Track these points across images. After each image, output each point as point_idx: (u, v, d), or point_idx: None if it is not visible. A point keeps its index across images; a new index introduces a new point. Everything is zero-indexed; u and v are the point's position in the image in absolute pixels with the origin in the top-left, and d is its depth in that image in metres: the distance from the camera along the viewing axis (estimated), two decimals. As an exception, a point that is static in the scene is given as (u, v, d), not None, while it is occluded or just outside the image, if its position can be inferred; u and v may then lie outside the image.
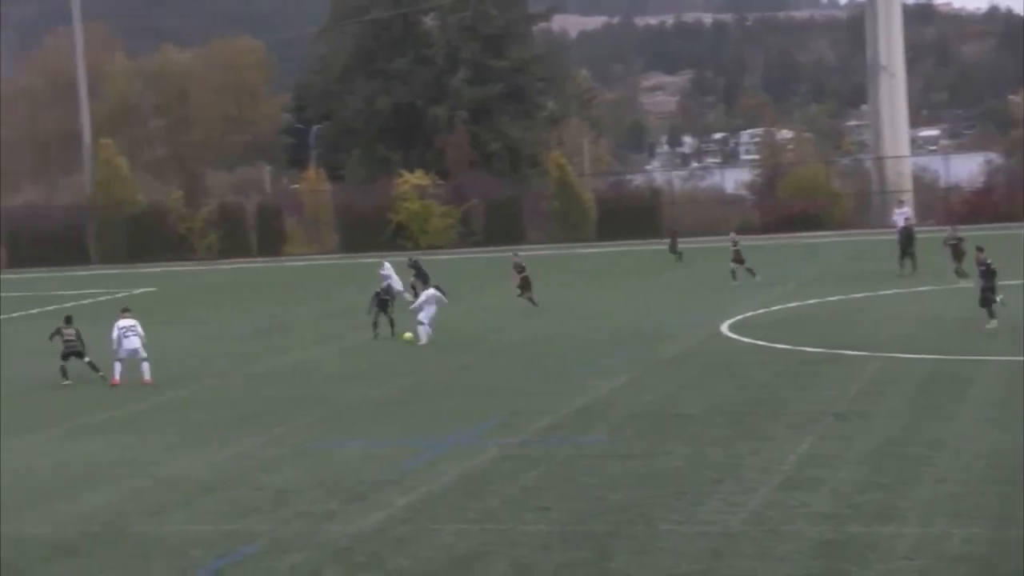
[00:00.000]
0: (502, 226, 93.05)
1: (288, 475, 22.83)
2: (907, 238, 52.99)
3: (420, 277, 50.20)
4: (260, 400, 31.67)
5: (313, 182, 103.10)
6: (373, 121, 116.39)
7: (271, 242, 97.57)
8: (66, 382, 35.61)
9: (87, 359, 36.12)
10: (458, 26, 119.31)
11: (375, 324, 41.44)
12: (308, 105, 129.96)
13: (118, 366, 35.08)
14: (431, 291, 40.70)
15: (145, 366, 35.11)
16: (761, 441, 23.35)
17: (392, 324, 41.13)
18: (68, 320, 37.24)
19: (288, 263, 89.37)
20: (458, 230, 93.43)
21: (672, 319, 42.44)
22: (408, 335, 39.42)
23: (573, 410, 27.55)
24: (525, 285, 47.31)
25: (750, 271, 52.31)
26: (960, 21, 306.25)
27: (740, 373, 31.37)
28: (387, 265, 50.78)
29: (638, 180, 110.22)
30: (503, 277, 50.59)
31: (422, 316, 39.56)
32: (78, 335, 36.69)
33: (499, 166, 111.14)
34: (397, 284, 49.03)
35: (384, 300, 42.07)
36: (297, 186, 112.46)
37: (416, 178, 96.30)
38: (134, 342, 35.29)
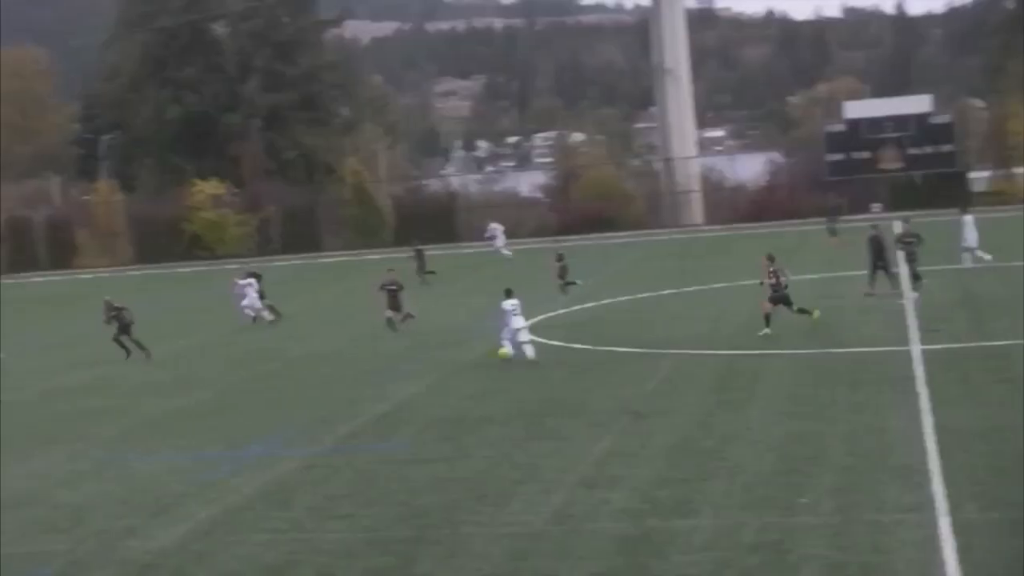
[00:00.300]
0: (299, 234, 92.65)
1: (87, 491, 22.47)
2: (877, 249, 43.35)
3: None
4: (58, 415, 31.10)
5: (105, 193, 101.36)
6: (165, 130, 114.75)
7: (62, 255, 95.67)
8: None
9: None
10: (249, 33, 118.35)
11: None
12: (98, 114, 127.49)
13: None
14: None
15: None
16: (561, 441, 23.66)
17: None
18: None
19: (80, 276, 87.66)
20: (255, 239, 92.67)
21: (472, 323, 42.65)
22: (503, 351, 33.89)
23: (374, 417, 27.58)
24: (395, 304, 42.91)
25: (570, 284, 50.14)
26: (740, 25, 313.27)
27: (540, 374, 31.67)
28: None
29: (434, 185, 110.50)
30: (300, 285, 50.37)
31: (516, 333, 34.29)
32: None
33: (295, 174, 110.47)
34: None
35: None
36: (88, 197, 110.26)
37: (211, 187, 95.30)
38: None
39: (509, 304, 33.94)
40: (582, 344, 35.78)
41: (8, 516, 21.14)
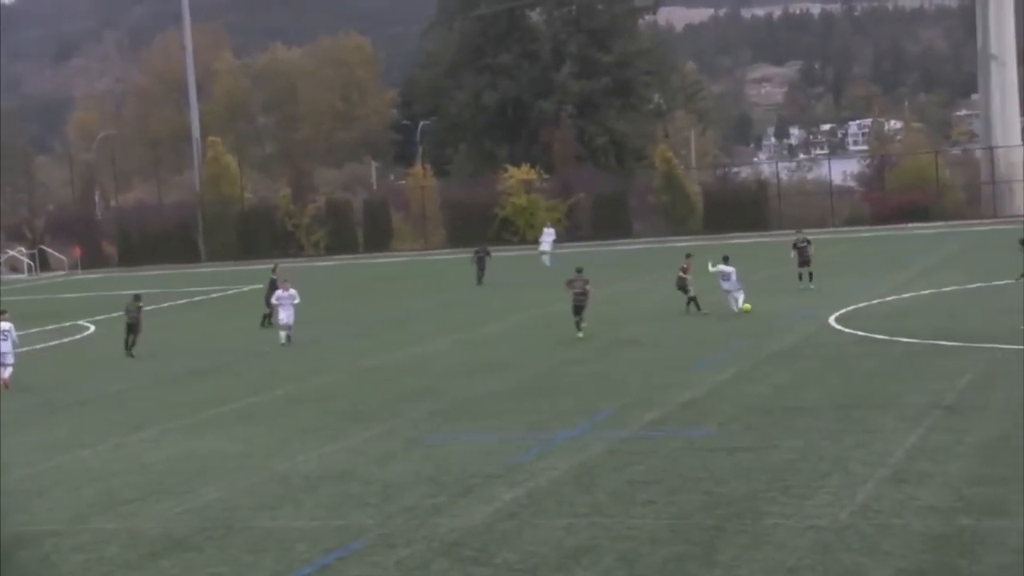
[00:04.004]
0: (608, 220, 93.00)
1: (396, 469, 22.96)
2: None
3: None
4: (372, 393, 31.93)
5: (420, 177, 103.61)
6: (479, 116, 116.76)
7: (378, 238, 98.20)
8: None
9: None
10: (564, 20, 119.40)
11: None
12: (415, 101, 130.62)
13: None
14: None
15: (8, 371, 37.19)
16: (870, 434, 23.13)
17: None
18: (136, 297, 44.14)
19: (395, 258, 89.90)
20: (564, 224, 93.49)
21: (782, 311, 42.21)
22: (747, 306, 42.62)
23: (681, 403, 27.47)
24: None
25: (810, 275, 49.31)
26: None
27: (850, 365, 31.11)
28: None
29: (745, 173, 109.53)
30: (610, 271, 50.44)
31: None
32: (139, 311, 43.45)
33: (605, 160, 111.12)
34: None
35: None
36: (404, 182, 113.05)
37: (522, 172, 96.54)
38: (5, 346, 37.23)
39: (726, 268, 43.42)
40: (894, 335, 34.97)
41: (324, 489, 21.78)
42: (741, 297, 43.17)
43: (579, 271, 41.31)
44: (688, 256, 46.23)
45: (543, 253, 71.13)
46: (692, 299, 43.98)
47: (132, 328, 43.05)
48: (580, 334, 39.68)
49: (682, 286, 44.68)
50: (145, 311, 45.26)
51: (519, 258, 76.69)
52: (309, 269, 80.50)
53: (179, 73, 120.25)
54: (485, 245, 66.54)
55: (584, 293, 40.13)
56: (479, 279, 61.07)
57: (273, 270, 50.03)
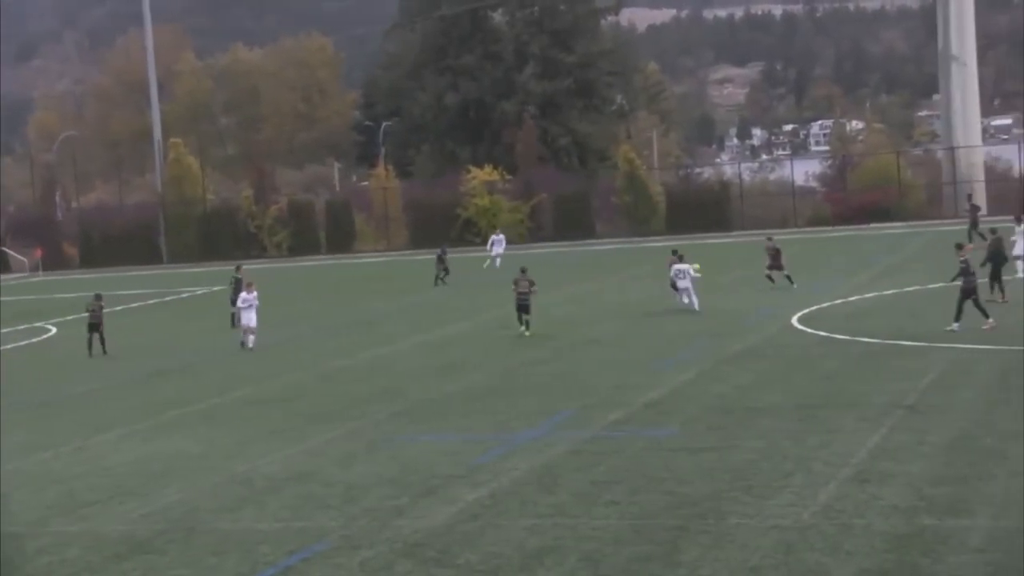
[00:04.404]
0: (571, 221, 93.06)
1: (359, 470, 22.92)
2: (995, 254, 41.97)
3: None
4: (335, 395, 31.88)
5: (382, 179, 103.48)
6: (442, 117, 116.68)
7: (340, 239, 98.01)
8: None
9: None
10: (526, 21, 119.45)
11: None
12: (377, 102, 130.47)
13: None
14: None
15: None
16: (832, 434, 23.20)
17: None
18: (97, 297, 44.35)
19: (358, 260, 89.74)
20: (527, 225, 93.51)
21: (744, 311, 42.33)
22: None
23: (644, 404, 27.50)
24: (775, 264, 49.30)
25: (788, 278, 49.08)
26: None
27: (812, 366, 31.21)
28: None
29: (707, 173, 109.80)
30: (572, 272, 50.55)
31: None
32: (101, 310, 43.66)
33: (567, 161, 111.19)
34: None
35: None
36: (366, 183, 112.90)
37: (485, 173, 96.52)
38: None
39: (680, 266, 44.18)
40: (856, 335, 35.10)
41: (287, 491, 21.73)
42: (695, 299, 43.66)
43: (523, 271, 41.67)
44: (674, 253, 46.55)
45: (496, 256, 71.14)
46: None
47: (95, 328, 42.94)
48: (527, 332, 40.24)
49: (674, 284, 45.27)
50: (109, 312, 45.11)
51: (482, 259, 76.66)
52: (272, 270, 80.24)
53: (140, 74, 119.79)
54: (444, 245, 67.26)
55: (528, 292, 40.70)
56: (438, 279, 61.05)
57: (237, 269, 49.94)
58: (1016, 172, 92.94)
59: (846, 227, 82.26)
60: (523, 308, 40.75)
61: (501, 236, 74.96)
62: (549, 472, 21.78)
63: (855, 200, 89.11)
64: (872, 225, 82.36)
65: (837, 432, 23.32)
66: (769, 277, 49.28)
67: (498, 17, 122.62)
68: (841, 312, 41.05)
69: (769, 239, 52.52)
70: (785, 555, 16.45)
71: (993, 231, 43.75)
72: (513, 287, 41.47)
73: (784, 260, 49.81)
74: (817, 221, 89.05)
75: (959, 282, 35.57)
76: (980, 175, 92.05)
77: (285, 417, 29.01)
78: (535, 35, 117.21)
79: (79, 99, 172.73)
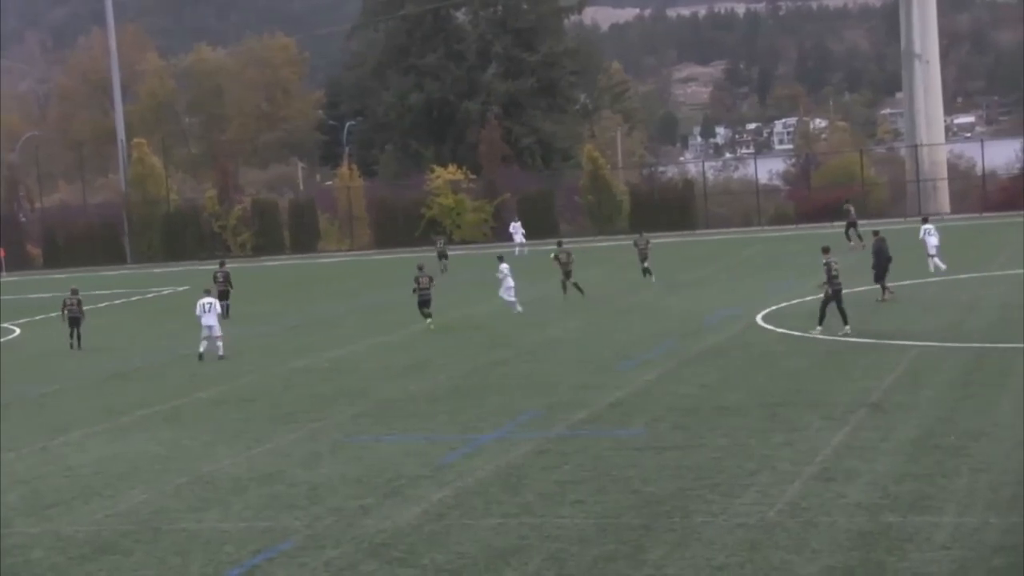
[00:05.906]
0: (534, 220, 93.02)
1: (324, 471, 22.87)
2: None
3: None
4: (299, 395, 31.78)
5: (346, 178, 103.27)
6: (406, 116, 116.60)
7: (305, 239, 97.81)
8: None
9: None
10: (489, 20, 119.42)
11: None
12: (341, 101, 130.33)
13: None
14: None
15: None
16: (797, 432, 23.26)
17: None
18: (74, 292, 44.71)
19: (322, 260, 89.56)
20: (491, 224, 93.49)
21: (708, 311, 42.39)
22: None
23: (608, 403, 27.51)
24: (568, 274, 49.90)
25: (647, 271, 52.68)
26: (994, 7, 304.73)
27: (777, 364, 31.29)
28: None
29: (671, 172, 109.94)
30: (538, 272, 50.54)
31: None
32: (79, 304, 44.11)
33: (531, 160, 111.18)
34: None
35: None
36: (330, 183, 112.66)
37: (449, 173, 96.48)
38: None
39: (504, 268, 45.86)
40: (821, 334, 35.17)
41: (252, 491, 21.66)
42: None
43: (420, 268, 44.65)
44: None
45: (520, 245, 75.28)
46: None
47: (75, 322, 43.03)
48: (432, 326, 42.44)
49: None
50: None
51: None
52: (236, 270, 79.83)
53: (103, 74, 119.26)
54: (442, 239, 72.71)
55: (430, 288, 43.63)
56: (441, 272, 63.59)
57: (221, 264, 50.98)
58: (979, 170, 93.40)
59: (809, 225, 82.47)
60: (425, 303, 43.31)
61: (519, 223, 79.63)
62: (514, 472, 21.77)
63: (818, 198, 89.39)
64: (836, 223, 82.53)
65: (802, 430, 23.39)
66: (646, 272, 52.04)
67: (461, 16, 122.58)
68: (805, 310, 41.09)
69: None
70: (750, 553, 16.48)
71: (875, 232, 44.05)
72: (415, 284, 43.72)
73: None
74: (780, 219, 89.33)
75: (826, 286, 35.53)
76: (943, 173, 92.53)
77: (249, 418, 28.92)
78: (498, 34, 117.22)
79: (42, 99, 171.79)
